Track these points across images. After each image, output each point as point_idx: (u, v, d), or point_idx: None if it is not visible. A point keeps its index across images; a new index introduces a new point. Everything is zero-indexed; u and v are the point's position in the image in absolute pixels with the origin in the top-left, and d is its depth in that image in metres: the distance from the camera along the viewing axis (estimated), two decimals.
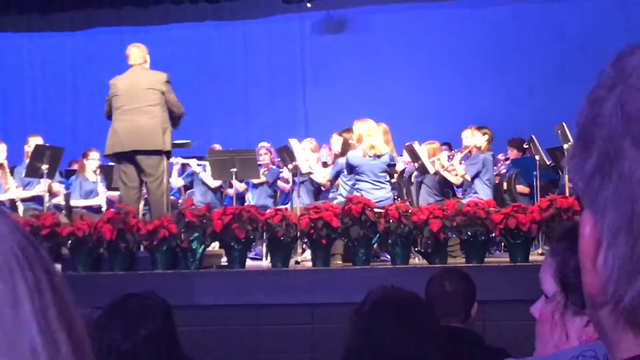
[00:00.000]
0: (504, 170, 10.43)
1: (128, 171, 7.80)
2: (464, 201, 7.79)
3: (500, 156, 10.75)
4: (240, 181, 9.94)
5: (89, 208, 9.61)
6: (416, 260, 7.74)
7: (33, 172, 8.90)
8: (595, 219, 0.59)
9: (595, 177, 0.59)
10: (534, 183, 9.30)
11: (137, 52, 7.95)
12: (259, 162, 9.85)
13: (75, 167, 10.72)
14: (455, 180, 9.11)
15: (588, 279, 0.60)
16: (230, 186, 9.98)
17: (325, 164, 9.92)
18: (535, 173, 9.22)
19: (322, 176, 9.47)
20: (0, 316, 0.63)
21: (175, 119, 7.94)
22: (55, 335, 0.65)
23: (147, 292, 2.84)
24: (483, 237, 7.13)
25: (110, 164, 9.44)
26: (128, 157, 7.75)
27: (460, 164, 9.16)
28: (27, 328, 0.63)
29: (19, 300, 0.64)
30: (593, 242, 0.59)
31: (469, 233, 7.08)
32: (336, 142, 9.34)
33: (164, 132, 7.69)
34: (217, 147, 10.75)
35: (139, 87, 7.73)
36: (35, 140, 9.68)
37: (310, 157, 9.53)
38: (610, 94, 0.59)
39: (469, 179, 8.92)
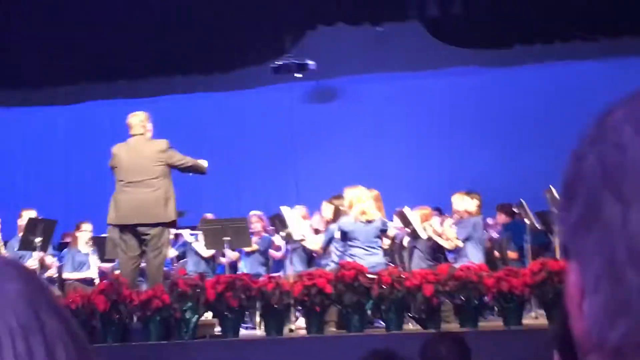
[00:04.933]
0: (496, 236, 10.48)
1: (130, 242, 7.81)
2: (457, 266, 7.83)
3: (489, 220, 10.81)
4: (233, 250, 9.95)
5: (82, 280, 9.59)
6: (410, 326, 7.74)
7: (26, 245, 8.91)
8: (580, 267, 0.65)
9: (579, 228, 0.64)
10: (524, 247, 9.34)
11: (137, 122, 7.96)
12: (251, 231, 9.88)
13: (68, 239, 10.73)
14: (447, 245, 9.16)
15: (576, 325, 0.66)
16: (223, 255, 9.98)
17: (317, 231, 9.96)
18: (525, 237, 9.28)
19: (314, 243, 9.50)
20: None
21: (196, 171, 8.03)
22: None
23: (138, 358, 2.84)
24: (476, 302, 7.16)
25: (103, 235, 9.45)
26: (131, 228, 7.78)
27: (451, 228, 9.22)
28: None
29: None
30: (578, 290, 0.65)
31: (462, 297, 7.11)
32: (327, 209, 9.40)
33: (166, 203, 7.71)
34: (210, 216, 10.78)
35: (141, 160, 7.76)
36: (28, 214, 9.70)
37: (301, 224, 9.57)
38: (591, 150, 0.65)
39: (460, 244, 8.97)
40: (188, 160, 7.99)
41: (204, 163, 8.18)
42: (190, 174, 8.17)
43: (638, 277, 0.60)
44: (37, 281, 0.67)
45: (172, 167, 7.89)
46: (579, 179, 0.65)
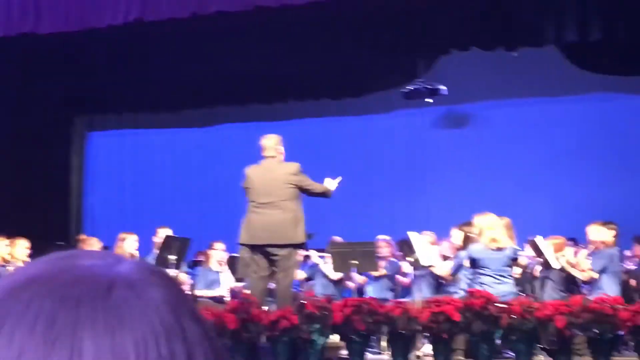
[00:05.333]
0: (633, 267, 10.11)
1: (260, 262, 7.95)
2: (591, 298, 7.58)
3: (627, 252, 10.44)
4: (361, 274, 9.97)
5: (213, 298, 9.81)
6: (541, 358, 7.54)
7: (162, 262, 9.18)
8: None
9: None
10: None
11: (270, 145, 8.17)
12: (379, 255, 9.87)
13: (201, 258, 11.01)
14: (581, 276, 8.89)
15: None
16: (351, 279, 10.02)
17: (445, 258, 9.86)
18: None
19: (443, 269, 9.41)
20: None
21: (322, 196, 8.15)
22: None
23: None
24: (611, 335, 6.91)
25: (235, 255, 9.66)
26: (261, 248, 7.92)
27: (586, 258, 8.95)
28: None
29: None
30: None
31: (596, 330, 6.87)
32: (457, 235, 9.30)
33: (296, 225, 7.83)
34: (338, 239, 10.85)
35: (272, 181, 7.92)
36: (164, 232, 10.02)
37: (430, 250, 9.50)
38: None
39: (595, 275, 8.69)
40: (317, 187, 8.11)
41: (330, 185, 8.27)
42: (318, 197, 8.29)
43: None
44: (179, 289, 0.70)
45: (301, 190, 8.01)
46: None
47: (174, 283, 0.70)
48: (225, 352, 0.71)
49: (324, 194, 8.21)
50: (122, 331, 0.63)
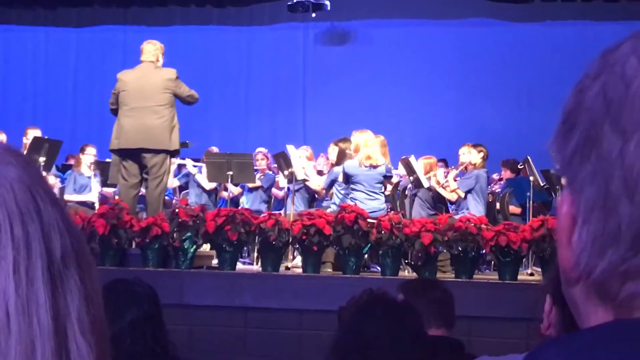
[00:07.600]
0: (498, 190, 10.48)
1: (130, 168, 7.81)
2: (457, 217, 7.83)
3: (495, 176, 10.79)
4: (236, 185, 9.97)
5: (83, 203, 9.63)
6: (406, 273, 7.78)
7: None
8: (573, 197, 0.64)
9: (576, 158, 0.63)
10: (527, 204, 9.34)
11: (151, 50, 7.92)
12: (255, 167, 9.88)
13: (71, 161, 10.75)
14: (449, 196, 9.16)
15: (563, 255, 0.65)
16: (226, 189, 10.01)
17: (320, 173, 9.97)
18: (528, 194, 9.27)
19: (317, 184, 9.51)
20: None
21: (189, 104, 8.00)
22: (37, 295, 0.61)
23: (134, 278, 2.88)
24: (473, 253, 7.17)
25: (108, 160, 9.46)
26: (132, 154, 7.77)
27: (455, 180, 9.22)
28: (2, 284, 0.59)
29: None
30: (569, 219, 0.64)
31: (460, 248, 7.12)
32: (333, 151, 9.39)
33: (171, 132, 7.71)
34: (215, 149, 10.78)
35: (149, 86, 7.72)
36: (33, 133, 9.72)
37: (306, 164, 9.57)
38: (594, 82, 0.64)
39: (462, 195, 8.97)
40: (194, 94, 7.97)
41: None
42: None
43: (630, 208, 0.59)
44: (34, 168, 0.66)
45: (177, 97, 7.87)
46: (581, 109, 0.64)
47: (31, 163, 0.67)
48: (82, 236, 0.68)
49: (194, 101, 8.07)
50: None
